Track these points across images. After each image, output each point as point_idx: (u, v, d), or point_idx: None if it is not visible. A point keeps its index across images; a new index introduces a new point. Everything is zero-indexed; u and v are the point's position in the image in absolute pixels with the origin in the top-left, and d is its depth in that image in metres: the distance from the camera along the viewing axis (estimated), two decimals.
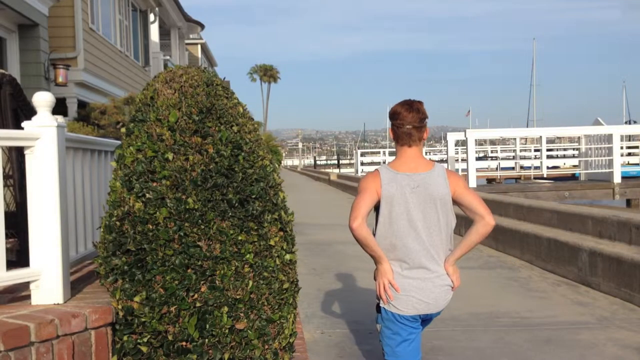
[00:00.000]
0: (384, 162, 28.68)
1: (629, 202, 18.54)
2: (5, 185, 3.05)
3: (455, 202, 2.86)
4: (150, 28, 18.51)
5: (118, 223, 2.78)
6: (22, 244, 3.14)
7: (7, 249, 2.84)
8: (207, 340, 2.71)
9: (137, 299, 2.69)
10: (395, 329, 2.82)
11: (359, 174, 30.20)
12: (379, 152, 32.23)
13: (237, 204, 2.84)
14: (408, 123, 2.78)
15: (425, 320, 2.92)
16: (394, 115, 2.84)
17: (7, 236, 2.93)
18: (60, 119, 3.00)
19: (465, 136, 16.12)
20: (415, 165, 2.80)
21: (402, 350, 2.85)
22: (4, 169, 3.01)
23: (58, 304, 2.87)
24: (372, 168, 35.77)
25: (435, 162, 2.93)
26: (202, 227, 2.76)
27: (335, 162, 70.64)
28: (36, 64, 10.58)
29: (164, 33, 22.24)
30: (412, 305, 2.77)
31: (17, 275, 2.82)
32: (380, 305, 2.86)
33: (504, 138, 26.90)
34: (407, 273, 2.79)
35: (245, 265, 2.81)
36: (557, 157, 28.50)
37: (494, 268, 6.49)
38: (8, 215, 2.99)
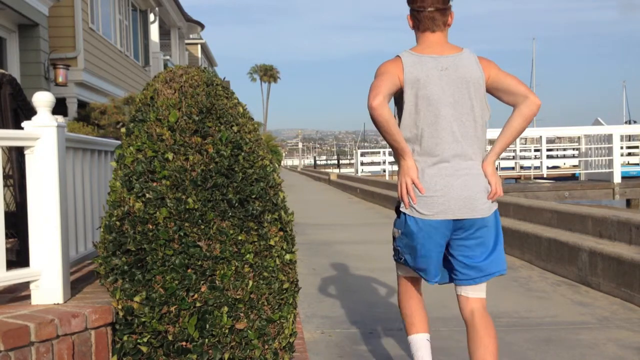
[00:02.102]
0: (384, 162, 28.68)
1: (629, 202, 18.54)
2: (5, 185, 3.05)
3: (490, 90, 2.49)
4: (150, 28, 18.51)
5: (118, 223, 2.78)
6: (22, 244, 3.14)
7: (7, 249, 2.84)
8: (207, 340, 2.71)
9: (137, 299, 2.70)
10: (418, 238, 2.43)
11: (359, 174, 30.19)
12: (379, 152, 32.17)
13: (237, 204, 2.84)
14: (430, 5, 2.42)
15: (459, 230, 2.42)
16: None
17: (7, 236, 2.93)
18: (60, 119, 3.00)
19: None
20: (442, 49, 2.44)
21: (421, 263, 2.49)
22: (4, 169, 3.01)
23: (58, 303, 2.87)
24: (372, 168, 35.71)
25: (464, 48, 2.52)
26: (202, 227, 2.76)
27: (335, 162, 70.63)
28: (36, 64, 10.59)
29: (164, 33, 22.24)
30: (439, 209, 2.36)
31: (17, 275, 2.82)
32: (401, 209, 2.47)
33: None
34: (435, 170, 2.38)
35: (245, 265, 2.81)
36: (557, 157, 28.50)
37: None
38: (8, 215, 2.99)
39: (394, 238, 2.65)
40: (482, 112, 2.47)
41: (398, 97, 2.45)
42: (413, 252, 2.51)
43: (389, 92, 2.34)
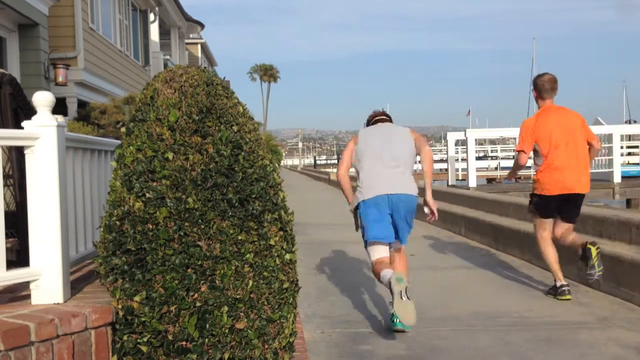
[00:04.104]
0: None
1: (629, 202, 18.53)
2: (5, 185, 3.05)
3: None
4: (150, 28, 18.50)
5: (118, 223, 2.78)
6: (22, 244, 3.13)
7: (7, 249, 2.84)
8: (207, 339, 2.71)
9: (137, 298, 2.69)
10: (366, 211, 4.19)
11: None
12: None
13: (237, 204, 2.84)
14: (380, 118, 4.61)
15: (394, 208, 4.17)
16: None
17: (7, 236, 2.93)
18: (60, 118, 3.00)
19: (465, 136, 16.11)
20: (389, 128, 4.55)
21: (373, 228, 4.15)
22: (4, 168, 3.01)
23: (58, 303, 2.87)
24: None
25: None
26: (202, 226, 2.76)
27: (335, 161, 70.52)
28: (36, 63, 10.58)
29: (164, 33, 22.23)
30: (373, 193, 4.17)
31: (17, 275, 2.82)
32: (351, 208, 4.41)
33: (504, 138, 26.86)
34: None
35: (245, 265, 2.81)
36: None
37: (494, 268, 6.49)
38: (8, 215, 2.98)
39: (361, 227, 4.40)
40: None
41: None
42: (369, 220, 4.27)
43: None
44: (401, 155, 4.23)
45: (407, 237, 4.30)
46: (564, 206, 5.09)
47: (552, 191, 5.04)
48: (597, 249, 4.68)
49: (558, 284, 5.04)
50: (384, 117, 4.53)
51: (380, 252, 4.20)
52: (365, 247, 4.31)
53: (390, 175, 4.17)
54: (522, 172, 21.94)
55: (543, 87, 5.24)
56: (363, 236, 4.30)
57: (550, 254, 5.17)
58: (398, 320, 4.01)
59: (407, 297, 3.65)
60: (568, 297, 4.95)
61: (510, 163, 23.31)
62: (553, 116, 5.14)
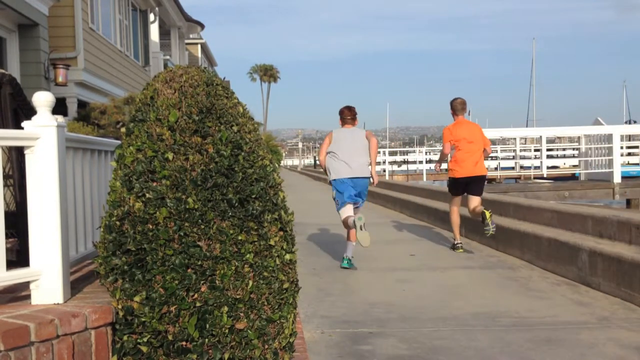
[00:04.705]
0: (384, 162, 28.78)
1: (629, 202, 18.54)
2: (5, 185, 3.05)
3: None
4: (150, 28, 18.51)
5: (118, 223, 2.78)
6: (22, 244, 3.14)
7: (7, 249, 2.84)
8: (207, 340, 2.71)
9: (137, 298, 2.69)
10: (338, 186, 6.49)
11: None
12: (379, 152, 32.20)
13: (237, 204, 2.84)
14: (348, 118, 6.71)
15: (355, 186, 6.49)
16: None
17: (7, 236, 2.93)
18: (60, 118, 3.00)
19: None
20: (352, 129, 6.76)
21: (343, 197, 6.43)
22: (4, 168, 3.01)
23: (58, 303, 2.87)
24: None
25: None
26: (202, 227, 2.76)
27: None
28: (36, 63, 10.58)
29: (164, 33, 22.23)
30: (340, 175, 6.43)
31: (17, 275, 2.82)
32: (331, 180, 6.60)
33: (504, 138, 26.89)
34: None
35: (245, 265, 2.81)
36: (557, 157, 28.50)
37: (494, 268, 6.49)
38: (8, 215, 2.98)
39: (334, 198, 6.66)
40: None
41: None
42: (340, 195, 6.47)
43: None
44: (360, 150, 6.54)
45: (363, 202, 6.74)
46: (470, 185, 7.38)
47: (457, 175, 7.39)
48: (489, 213, 6.93)
49: (456, 242, 7.61)
50: (350, 118, 6.74)
51: (347, 212, 6.46)
52: (338, 210, 6.58)
53: (354, 161, 6.45)
54: (522, 172, 21.99)
55: (456, 107, 7.55)
56: (336, 205, 6.62)
57: (455, 220, 7.66)
58: (345, 262, 6.55)
59: (365, 229, 5.91)
60: (460, 250, 7.49)
61: (510, 163, 23.37)
62: (463, 127, 7.45)
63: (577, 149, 20.30)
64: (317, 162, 7.24)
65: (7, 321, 2.53)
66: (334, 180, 6.49)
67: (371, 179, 6.62)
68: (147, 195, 2.76)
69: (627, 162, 21.65)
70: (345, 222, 6.38)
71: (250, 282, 2.80)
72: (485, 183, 7.91)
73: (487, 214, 6.88)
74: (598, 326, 4.29)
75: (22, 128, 2.90)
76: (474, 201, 7.31)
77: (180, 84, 3.00)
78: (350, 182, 6.44)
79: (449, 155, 7.61)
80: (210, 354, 2.71)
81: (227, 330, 2.74)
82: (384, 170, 27.79)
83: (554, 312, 4.69)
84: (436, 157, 36.63)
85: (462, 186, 7.41)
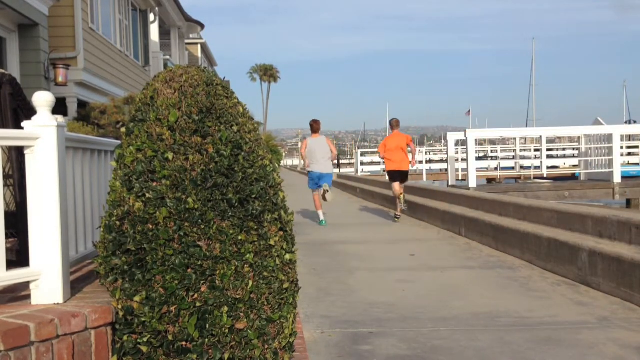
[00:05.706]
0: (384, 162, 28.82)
1: (629, 202, 18.53)
2: (5, 185, 3.05)
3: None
4: (150, 28, 18.51)
5: (118, 223, 2.78)
6: (22, 244, 3.14)
7: (7, 249, 2.84)
8: (207, 340, 2.71)
9: (137, 298, 2.69)
10: (312, 176, 10.94)
11: (359, 174, 30.17)
12: (379, 152, 32.21)
13: (237, 204, 2.84)
14: (315, 128, 11.17)
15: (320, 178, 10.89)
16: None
17: (7, 236, 2.93)
18: (60, 118, 3.00)
19: (465, 136, 16.11)
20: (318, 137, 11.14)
21: (313, 184, 10.92)
22: (4, 168, 3.01)
23: (58, 303, 2.87)
24: (372, 168, 35.93)
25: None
26: (202, 226, 2.76)
27: (336, 162, 70.41)
28: (36, 63, 10.58)
29: (164, 33, 22.23)
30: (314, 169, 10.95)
31: (17, 275, 2.82)
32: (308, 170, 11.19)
33: (504, 138, 26.90)
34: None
35: (245, 265, 2.81)
36: (557, 157, 28.48)
37: (494, 268, 6.49)
38: (8, 215, 2.99)
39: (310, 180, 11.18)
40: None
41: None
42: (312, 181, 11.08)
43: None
44: (325, 153, 10.77)
45: (326, 182, 10.65)
46: (398, 175, 10.89)
47: (390, 168, 10.97)
48: (403, 195, 10.83)
49: (397, 214, 11.08)
50: (316, 127, 10.98)
51: (315, 192, 10.77)
52: (309, 187, 10.93)
53: (321, 162, 10.72)
54: (522, 172, 21.98)
55: (392, 124, 11.25)
56: (309, 186, 10.95)
57: (396, 196, 10.94)
58: (322, 220, 10.63)
59: (329, 191, 10.57)
60: (397, 220, 10.92)
61: (510, 163, 23.36)
62: (395, 138, 11.01)
63: (577, 149, 20.29)
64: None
65: (7, 321, 2.53)
66: (310, 171, 10.86)
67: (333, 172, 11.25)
68: (147, 195, 2.76)
69: (627, 162, 21.63)
70: (315, 198, 10.82)
71: (250, 282, 2.81)
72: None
73: (402, 196, 10.81)
74: (598, 326, 4.29)
75: (22, 128, 2.90)
76: (401, 186, 11.00)
77: (180, 84, 3.00)
78: (319, 175, 10.71)
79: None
80: (210, 354, 2.71)
81: (227, 330, 2.74)
82: (384, 171, 27.78)
83: (554, 312, 4.69)
84: (436, 157, 37.14)
85: (394, 175, 10.98)
